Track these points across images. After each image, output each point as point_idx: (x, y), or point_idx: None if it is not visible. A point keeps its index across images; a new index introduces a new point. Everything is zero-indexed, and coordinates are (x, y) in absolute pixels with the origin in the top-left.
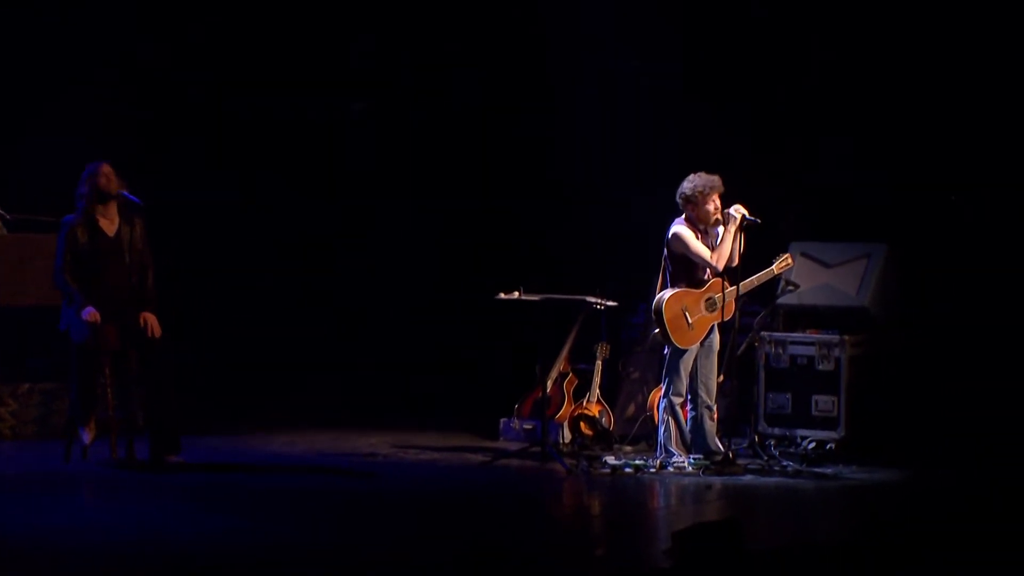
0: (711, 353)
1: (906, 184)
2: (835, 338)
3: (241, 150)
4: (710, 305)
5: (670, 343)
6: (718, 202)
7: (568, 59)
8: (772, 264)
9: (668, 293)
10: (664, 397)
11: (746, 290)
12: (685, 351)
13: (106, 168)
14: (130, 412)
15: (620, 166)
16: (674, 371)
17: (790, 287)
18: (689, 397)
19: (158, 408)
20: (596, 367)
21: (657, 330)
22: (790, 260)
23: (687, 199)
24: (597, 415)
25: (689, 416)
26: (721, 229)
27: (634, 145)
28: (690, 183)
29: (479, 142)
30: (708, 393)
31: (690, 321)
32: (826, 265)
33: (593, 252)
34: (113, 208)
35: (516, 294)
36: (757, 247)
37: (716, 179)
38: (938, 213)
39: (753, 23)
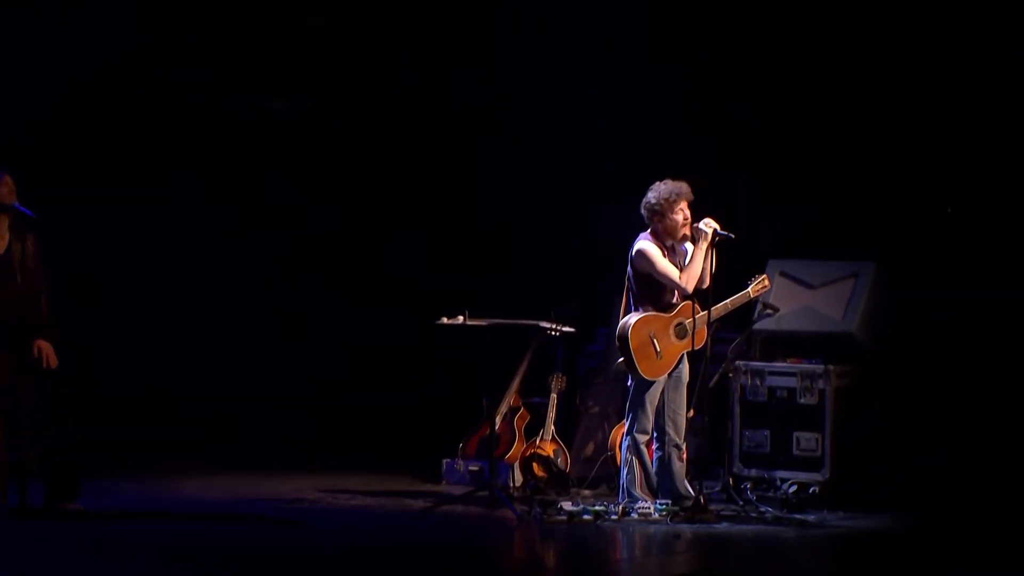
0: (680, 385)
1: (895, 195)
2: (819, 368)
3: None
4: (680, 331)
5: (636, 374)
6: (687, 212)
7: (522, 55)
8: (747, 286)
9: (634, 318)
10: (627, 435)
11: (719, 315)
12: (652, 383)
13: (8, 179)
14: (22, 453)
15: (578, 174)
16: (639, 405)
17: (768, 311)
18: (655, 435)
19: (54, 449)
20: (551, 401)
21: (621, 359)
22: (767, 282)
23: (652, 210)
24: (552, 455)
25: (655, 456)
26: (690, 246)
27: (594, 150)
28: (655, 192)
29: (414, 147)
30: (677, 430)
31: (658, 349)
32: (809, 286)
33: (547, 271)
34: (4, 223)
35: (460, 319)
36: (730, 266)
37: (684, 186)
38: (932, 227)
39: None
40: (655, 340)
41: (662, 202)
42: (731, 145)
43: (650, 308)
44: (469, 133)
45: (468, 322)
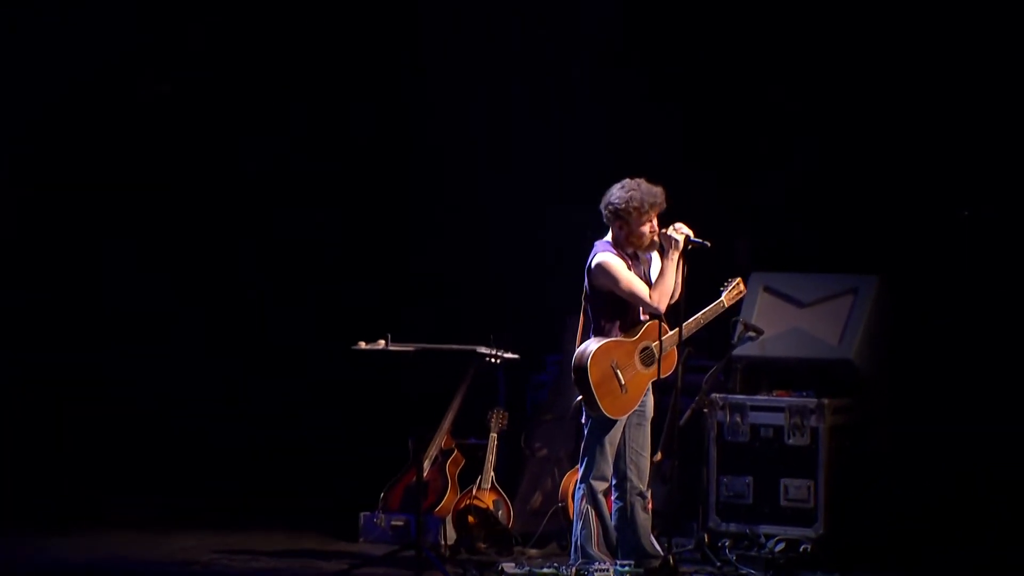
0: (644, 421)
1: (900, 196)
2: (811, 402)
3: None
4: (647, 357)
5: (597, 412)
6: (655, 222)
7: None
8: (720, 294)
9: (593, 344)
10: (582, 482)
11: (690, 332)
12: (615, 422)
13: None
14: None
15: (523, 172)
16: (597, 448)
17: (750, 333)
18: (615, 482)
19: None
20: (490, 442)
21: (580, 396)
22: (743, 286)
23: (617, 214)
24: (491, 506)
25: (615, 507)
26: (655, 255)
27: (541, 145)
28: (624, 192)
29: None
30: (640, 475)
31: (622, 382)
32: (799, 304)
33: (486, 286)
34: None
35: (381, 343)
36: (703, 280)
37: (659, 193)
38: (945, 233)
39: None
40: (618, 371)
41: (632, 210)
42: (701, 140)
43: (612, 332)
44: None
45: (390, 347)
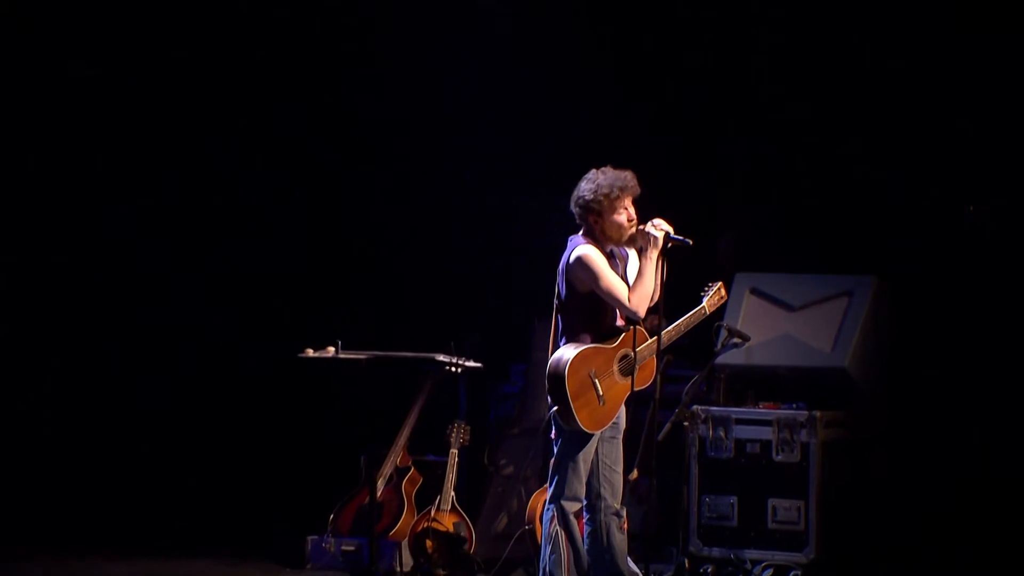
0: (618, 434)
1: (903, 188)
2: (801, 414)
3: None
4: (626, 367)
5: (574, 425)
6: (632, 210)
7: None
8: (702, 299)
9: (571, 352)
10: (552, 502)
11: (670, 340)
12: (590, 436)
13: None
14: None
15: (487, 162)
16: (570, 465)
17: (735, 340)
18: (587, 502)
19: None
20: (450, 458)
21: (556, 407)
22: (723, 291)
23: (589, 208)
24: (452, 529)
25: (587, 530)
26: (633, 253)
27: (509, 132)
28: (591, 184)
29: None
30: (614, 493)
31: (600, 392)
32: (788, 307)
33: (446, 288)
34: None
35: (330, 351)
36: (683, 282)
37: (629, 176)
38: (948, 230)
39: None
40: (597, 381)
41: (601, 199)
42: (678, 127)
43: (588, 338)
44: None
45: (341, 355)
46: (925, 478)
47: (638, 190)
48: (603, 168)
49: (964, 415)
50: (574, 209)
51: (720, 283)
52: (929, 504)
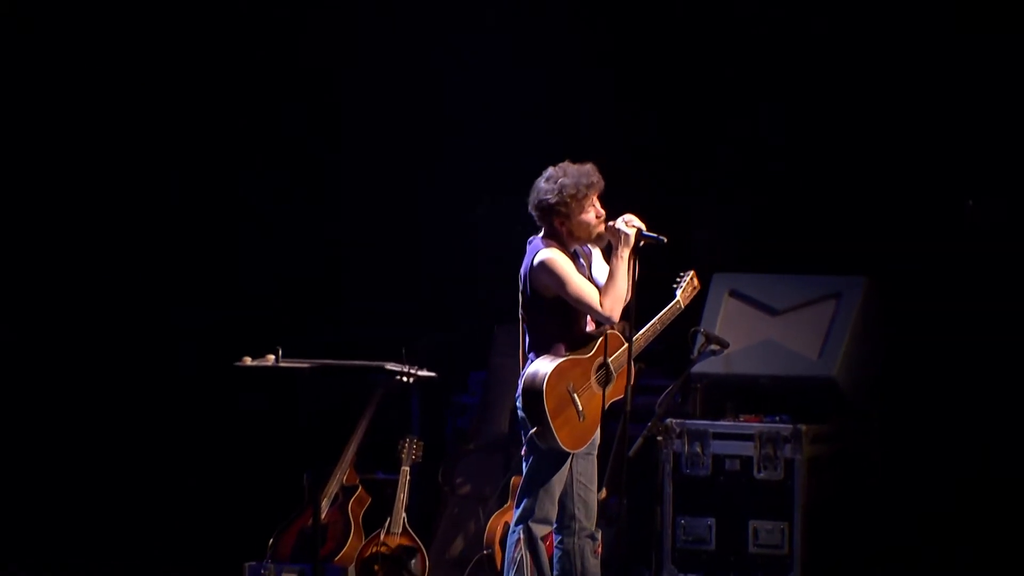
0: (592, 451)
1: (897, 179)
2: (785, 428)
3: None
4: (603, 377)
5: (554, 445)
6: (599, 206)
7: None
8: (675, 292)
9: (547, 365)
10: (519, 524)
11: (647, 344)
12: (568, 455)
13: None
14: None
15: (444, 152)
16: (543, 484)
17: (713, 346)
18: (559, 523)
19: None
20: (401, 477)
21: (534, 428)
22: (696, 280)
23: (553, 210)
24: (403, 554)
25: (557, 553)
26: (596, 253)
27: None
28: (553, 184)
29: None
30: (588, 514)
31: (580, 408)
32: (771, 311)
33: (397, 290)
34: None
35: (270, 359)
36: (651, 283)
37: (591, 170)
38: (945, 226)
39: None
40: (576, 396)
41: (568, 199)
42: (649, 110)
43: (562, 347)
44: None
45: (281, 363)
46: (920, 495)
47: (603, 184)
48: (561, 165)
49: (964, 415)
50: (534, 212)
51: (692, 272)
52: (924, 523)
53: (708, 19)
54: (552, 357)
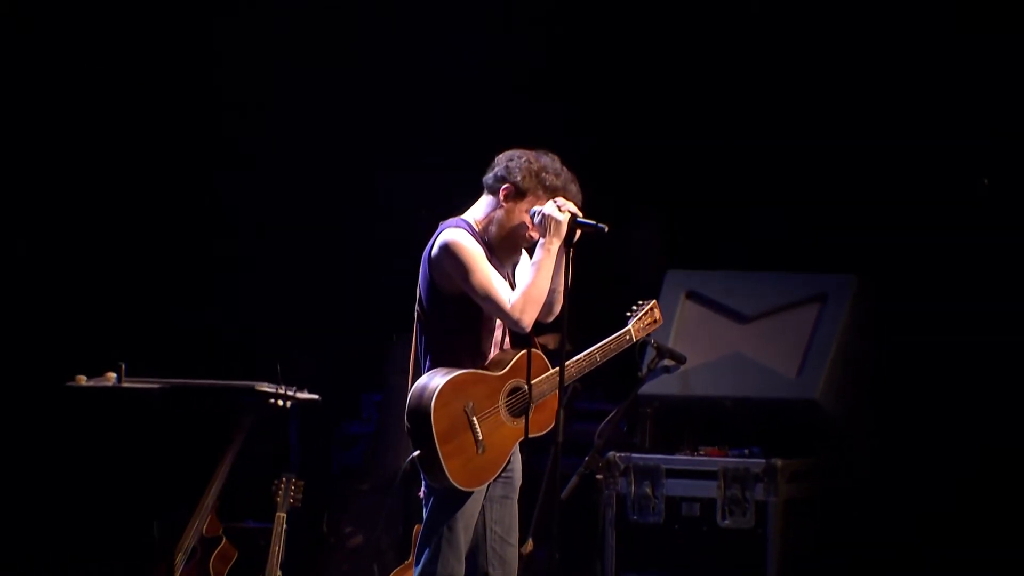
0: (512, 493)
1: (892, 165)
2: (756, 464)
3: None
4: (517, 403)
5: (441, 480)
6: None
7: None
8: (628, 321)
9: (440, 378)
10: None
11: (580, 374)
12: (468, 495)
13: None
14: None
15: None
16: (444, 533)
17: (666, 362)
18: None
19: None
20: (276, 525)
21: (417, 452)
22: (658, 312)
23: (510, 181)
24: None
25: None
26: (523, 255)
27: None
28: (526, 162)
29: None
30: (507, 571)
31: (479, 436)
32: (739, 317)
33: (272, 292)
34: None
35: (111, 377)
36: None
37: (572, 179)
38: (952, 214)
39: None
40: (475, 420)
41: (544, 182)
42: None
43: (464, 361)
44: None
45: (125, 383)
46: (925, 478)
47: (578, 199)
48: (537, 152)
49: (964, 415)
50: (488, 180)
51: (654, 301)
52: (928, 505)
53: (708, 22)
54: (449, 370)
